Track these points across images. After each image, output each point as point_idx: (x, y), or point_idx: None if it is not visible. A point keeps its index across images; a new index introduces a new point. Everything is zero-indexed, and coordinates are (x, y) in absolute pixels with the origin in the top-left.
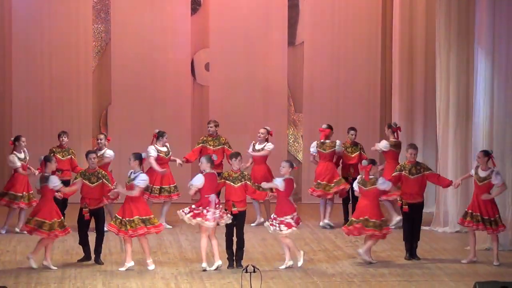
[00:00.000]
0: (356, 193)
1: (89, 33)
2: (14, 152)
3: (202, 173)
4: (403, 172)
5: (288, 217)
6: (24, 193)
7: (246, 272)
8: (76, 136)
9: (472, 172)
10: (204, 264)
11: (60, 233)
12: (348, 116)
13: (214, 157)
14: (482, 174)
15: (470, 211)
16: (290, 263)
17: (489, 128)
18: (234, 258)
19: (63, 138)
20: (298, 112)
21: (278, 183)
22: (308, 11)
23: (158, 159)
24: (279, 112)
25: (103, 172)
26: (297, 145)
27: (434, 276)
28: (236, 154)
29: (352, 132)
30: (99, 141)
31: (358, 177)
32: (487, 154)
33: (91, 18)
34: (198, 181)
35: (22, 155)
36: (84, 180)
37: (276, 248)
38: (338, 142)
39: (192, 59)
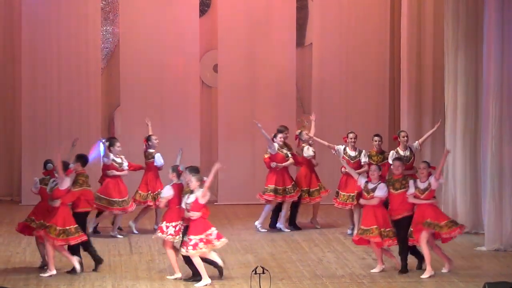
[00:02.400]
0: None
1: (98, 35)
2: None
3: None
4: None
5: (175, 223)
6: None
7: (256, 273)
8: (85, 138)
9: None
10: (178, 274)
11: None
12: (356, 117)
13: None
14: (422, 186)
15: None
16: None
17: (499, 128)
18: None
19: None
20: (307, 113)
21: (165, 190)
22: (317, 12)
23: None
24: (287, 113)
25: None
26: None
27: (443, 277)
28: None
29: (376, 138)
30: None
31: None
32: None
33: (99, 20)
34: (168, 192)
35: (118, 160)
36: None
37: (286, 249)
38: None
39: (200, 60)
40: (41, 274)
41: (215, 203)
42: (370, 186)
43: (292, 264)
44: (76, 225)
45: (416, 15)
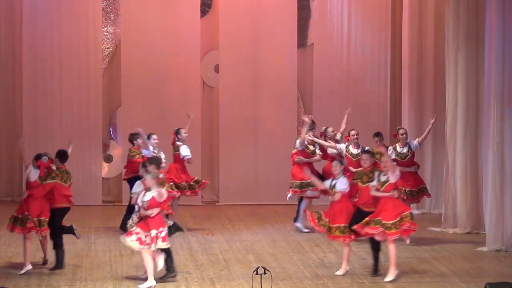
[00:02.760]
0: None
1: (99, 35)
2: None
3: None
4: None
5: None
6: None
7: (257, 273)
8: (86, 138)
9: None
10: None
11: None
12: (358, 117)
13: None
14: (382, 178)
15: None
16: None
17: (500, 128)
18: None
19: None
20: (308, 114)
21: (136, 185)
22: (318, 12)
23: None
24: (288, 113)
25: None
26: None
27: (444, 277)
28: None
29: (376, 139)
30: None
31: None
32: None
33: (100, 20)
34: (137, 188)
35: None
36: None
37: (287, 249)
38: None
39: (202, 61)
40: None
41: (216, 204)
42: (333, 182)
43: (293, 265)
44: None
45: (417, 15)
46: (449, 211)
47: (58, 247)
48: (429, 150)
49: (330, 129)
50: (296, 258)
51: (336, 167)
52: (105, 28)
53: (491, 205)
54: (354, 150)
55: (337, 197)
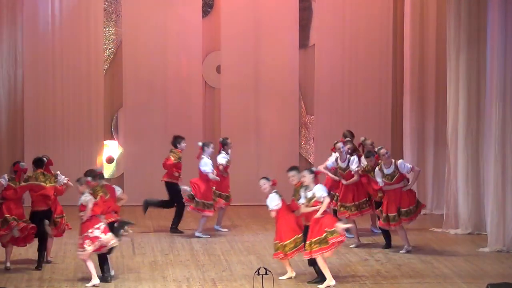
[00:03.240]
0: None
1: (100, 36)
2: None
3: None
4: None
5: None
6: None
7: (258, 274)
8: (87, 139)
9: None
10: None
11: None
12: (359, 118)
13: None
14: (308, 195)
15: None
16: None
17: (502, 129)
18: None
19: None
20: (309, 114)
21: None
22: (320, 13)
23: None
24: (290, 114)
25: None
26: (308, 147)
27: (446, 278)
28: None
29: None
30: None
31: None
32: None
33: (102, 21)
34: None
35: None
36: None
37: None
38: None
39: (203, 61)
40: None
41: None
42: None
43: (295, 265)
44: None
45: (419, 15)
46: (451, 212)
47: (42, 249)
48: (430, 151)
49: (368, 141)
50: (297, 259)
51: (264, 184)
52: (107, 29)
53: (492, 206)
54: (342, 164)
55: (273, 215)
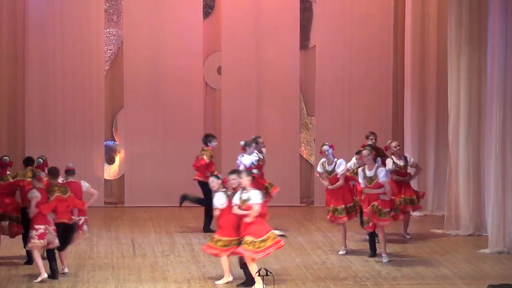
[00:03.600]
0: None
1: (101, 37)
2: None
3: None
4: None
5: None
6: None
7: (259, 275)
8: (88, 140)
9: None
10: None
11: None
12: (360, 119)
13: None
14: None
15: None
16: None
17: (502, 130)
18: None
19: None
20: (310, 116)
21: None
22: (320, 14)
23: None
24: (291, 115)
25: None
26: (309, 148)
27: (447, 279)
28: None
29: (371, 137)
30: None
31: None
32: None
33: (103, 22)
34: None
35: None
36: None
37: (289, 251)
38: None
39: (204, 62)
40: None
41: None
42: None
43: (295, 266)
44: None
45: (420, 16)
46: (452, 213)
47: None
48: (431, 152)
49: (393, 144)
50: (298, 260)
51: (213, 182)
52: (108, 30)
53: (493, 207)
54: (329, 167)
55: (216, 213)
